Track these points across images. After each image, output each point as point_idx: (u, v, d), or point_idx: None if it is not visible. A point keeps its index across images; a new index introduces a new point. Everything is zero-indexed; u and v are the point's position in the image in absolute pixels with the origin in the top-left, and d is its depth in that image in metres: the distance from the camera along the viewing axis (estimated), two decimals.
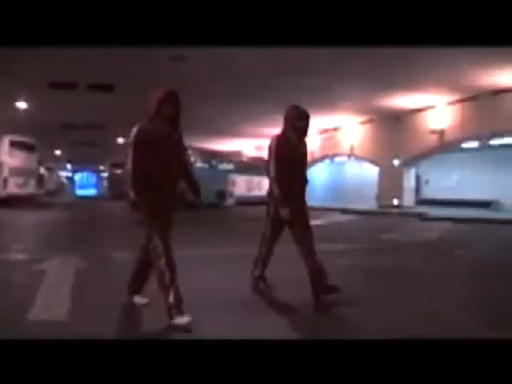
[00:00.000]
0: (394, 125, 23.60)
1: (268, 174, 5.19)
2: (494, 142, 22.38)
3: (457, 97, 20.57)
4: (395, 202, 23.45)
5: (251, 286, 5.50)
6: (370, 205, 24.45)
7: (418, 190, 26.18)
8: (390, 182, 24.00)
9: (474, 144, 23.31)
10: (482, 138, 21.59)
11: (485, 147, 23.29)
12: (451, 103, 21.25)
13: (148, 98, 4.26)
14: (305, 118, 5.13)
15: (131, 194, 4.14)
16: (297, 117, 5.09)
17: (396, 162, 23.64)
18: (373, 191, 25.89)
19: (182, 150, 4.51)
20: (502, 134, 20.80)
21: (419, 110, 22.50)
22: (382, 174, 25.10)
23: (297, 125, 5.08)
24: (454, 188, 25.73)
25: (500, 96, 19.28)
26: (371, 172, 26.84)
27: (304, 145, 5.37)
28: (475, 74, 16.97)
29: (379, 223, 16.39)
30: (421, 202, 25.49)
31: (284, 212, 4.98)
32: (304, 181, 5.38)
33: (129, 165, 4.11)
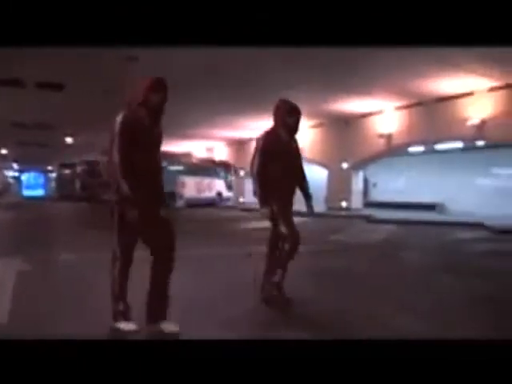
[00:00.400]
0: (344, 129, 23.97)
1: (251, 172, 4.93)
2: (440, 146, 23.02)
3: (404, 102, 21.12)
4: (343, 204, 23.86)
5: (263, 302, 5.04)
6: (320, 207, 24.74)
7: (365, 192, 26.67)
8: (338, 184, 24.39)
9: (420, 148, 23.92)
10: (428, 142, 22.18)
11: (430, 151, 23.95)
12: (399, 108, 21.80)
13: (135, 84, 3.94)
14: (296, 114, 4.85)
15: (124, 188, 3.63)
16: (288, 112, 4.81)
17: (345, 165, 24.03)
18: (322, 194, 26.25)
19: (160, 146, 4.08)
20: (446, 139, 21.43)
21: (368, 115, 22.93)
22: (331, 177, 25.44)
23: (288, 121, 4.82)
24: (401, 191, 26.27)
25: (445, 102, 19.91)
26: (321, 175, 27.21)
27: (295, 142, 5.12)
28: (422, 81, 17.48)
29: (328, 225, 16.63)
30: (369, 204, 25.99)
31: (264, 211, 4.87)
32: (299, 179, 5.18)
33: (116, 156, 3.65)
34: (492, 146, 19.91)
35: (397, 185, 26.79)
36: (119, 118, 3.76)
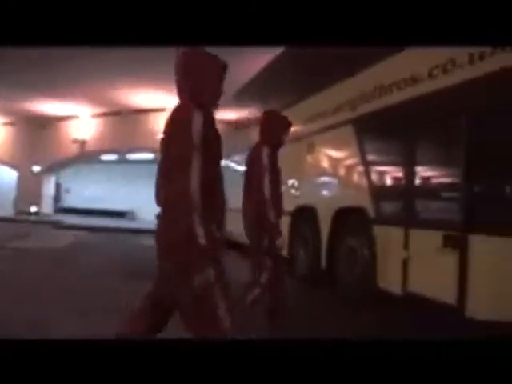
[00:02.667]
0: (38, 131, 23.27)
1: (256, 193, 3.98)
2: (132, 156, 23.88)
3: (101, 110, 21.46)
4: (33, 209, 23.02)
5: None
6: (8, 211, 23.40)
7: (58, 198, 26.19)
8: (29, 188, 23.46)
9: (113, 156, 24.47)
10: (121, 151, 22.88)
11: (123, 161, 24.68)
12: (95, 116, 22.07)
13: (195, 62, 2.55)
14: (289, 128, 4.25)
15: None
16: (285, 130, 4.18)
17: (36, 169, 23.25)
18: (11, 196, 24.84)
19: None
20: (138, 150, 22.36)
21: (64, 119, 22.77)
22: (21, 180, 24.30)
23: (282, 139, 4.15)
24: (95, 198, 26.46)
25: (141, 115, 20.86)
26: (12, 177, 25.69)
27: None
28: (119, 92, 18.16)
29: (14, 230, 15.91)
30: (61, 210, 25.57)
31: (281, 242, 4.01)
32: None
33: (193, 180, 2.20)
34: None
35: (91, 191, 26.86)
36: (195, 116, 2.30)
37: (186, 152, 2.21)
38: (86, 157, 23.26)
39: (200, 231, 2.14)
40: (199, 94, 2.45)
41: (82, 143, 22.20)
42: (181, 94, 2.52)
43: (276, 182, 4.06)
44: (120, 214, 24.38)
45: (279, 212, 4.06)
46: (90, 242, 13.49)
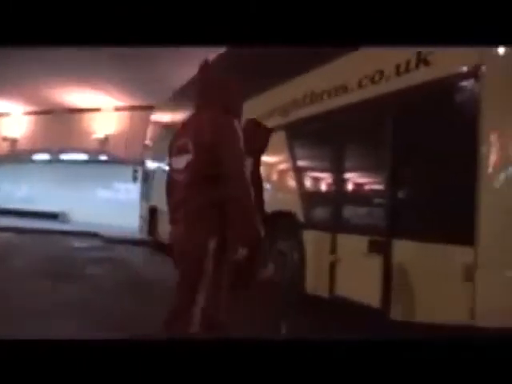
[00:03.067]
0: None
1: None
2: (65, 156, 23.31)
3: (34, 108, 20.85)
4: None
5: None
6: None
7: None
8: None
9: (45, 156, 23.83)
10: (53, 151, 22.29)
11: (56, 161, 24.05)
12: (27, 114, 21.47)
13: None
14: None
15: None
16: (266, 138, 4.09)
17: None
18: None
19: None
20: (71, 150, 21.86)
21: None
22: None
23: (263, 148, 4.10)
24: (26, 199, 25.64)
25: (75, 114, 20.40)
26: None
27: None
28: (52, 90, 17.70)
29: None
30: None
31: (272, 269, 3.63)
32: None
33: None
34: (114, 160, 21.05)
35: (21, 192, 26.01)
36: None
37: (243, 158, 2.42)
38: (16, 156, 22.57)
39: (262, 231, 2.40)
40: (232, 104, 2.68)
41: (13, 142, 21.55)
42: (209, 104, 2.69)
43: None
44: (52, 216, 23.68)
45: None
46: (19, 244, 13.10)
